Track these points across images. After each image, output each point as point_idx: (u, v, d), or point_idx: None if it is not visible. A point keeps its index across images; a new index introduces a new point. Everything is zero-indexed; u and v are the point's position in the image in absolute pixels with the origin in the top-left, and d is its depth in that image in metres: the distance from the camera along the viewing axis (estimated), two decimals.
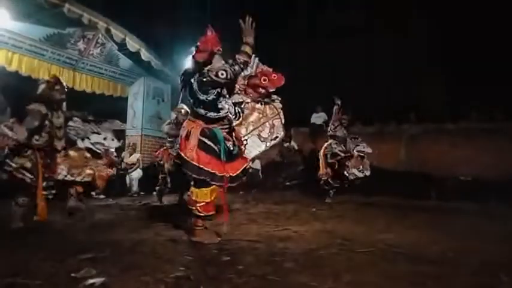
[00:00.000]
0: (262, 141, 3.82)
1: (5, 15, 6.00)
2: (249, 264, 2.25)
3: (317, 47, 11.39)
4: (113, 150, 4.82)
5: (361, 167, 5.91)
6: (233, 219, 3.95)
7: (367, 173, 5.95)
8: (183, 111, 5.47)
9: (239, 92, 3.66)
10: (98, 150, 4.49)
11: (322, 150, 6.10)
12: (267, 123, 3.86)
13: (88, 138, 4.45)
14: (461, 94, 9.36)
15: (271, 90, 3.83)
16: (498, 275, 2.04)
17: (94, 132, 4.52)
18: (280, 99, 4.02)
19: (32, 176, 3.42)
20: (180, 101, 4.11)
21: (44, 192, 3.58)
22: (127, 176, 7.86)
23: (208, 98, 2.82)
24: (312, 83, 10.71)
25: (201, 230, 2.91)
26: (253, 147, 3.73)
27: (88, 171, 4.32)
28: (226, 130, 2.99)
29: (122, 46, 8.01)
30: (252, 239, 3.02)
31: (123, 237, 3.03)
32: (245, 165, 3.06)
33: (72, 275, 1.99)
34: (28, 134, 3.48)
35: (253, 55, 3.58)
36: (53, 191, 3.89)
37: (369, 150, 5.96)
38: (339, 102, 6.03)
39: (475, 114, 8.67)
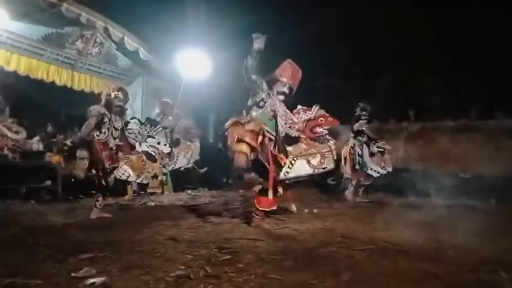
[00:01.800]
0: (310, 167, 4.10)
1: (3, 15, 5.97)
2: (249, 263, 2.26)
3: (318, 47, 11.39)
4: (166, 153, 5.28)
5: (382, 163, 6.03)
6: (233, 219, 3.96)
7: (389, 169, 6.13)
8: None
9: (297, 130, 4.11)
10: (153, 153, 4.92)
11: (347, 151, 6.08)
12: (318, 155, 4.15)
13: (145, 141, 4.85)
14: (461, 92, 9.36)
15: (325, 128, 4.20)
16: (497, 272, 2.05)
17: (149, 136, 4.95)
18: (334, 141, 4.39)
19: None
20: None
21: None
22: None
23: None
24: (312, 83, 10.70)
25: (259, 219, 3.60)
26: (300, 169, 4.02)
27: (146, 174, 4.87)
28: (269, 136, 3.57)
29: (120, 45, 7.99)
30: (252, 237, 3.03)
31: (123, 236, 3.03)
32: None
33: (73, 274, 2.00)
34: (89, 130, 3.93)
35: (314, 105, 4.33)
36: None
37: (388, 146, 6.07)
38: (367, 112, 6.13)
39: (475, 112, 8.67)
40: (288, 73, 3.75)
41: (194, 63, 7.82)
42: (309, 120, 4.27)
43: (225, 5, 10.46)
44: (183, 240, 2.90)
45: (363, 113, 6.02)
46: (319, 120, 4.28)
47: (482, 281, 1.99)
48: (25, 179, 5.47)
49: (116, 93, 4.17)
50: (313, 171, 4.07)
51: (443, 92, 9.99)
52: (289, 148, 3.90)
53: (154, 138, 5.07)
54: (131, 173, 4.76)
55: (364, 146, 6.00)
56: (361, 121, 6.00)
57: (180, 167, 6.46)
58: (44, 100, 7.91)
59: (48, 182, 5.61)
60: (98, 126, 3.99)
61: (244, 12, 10.15)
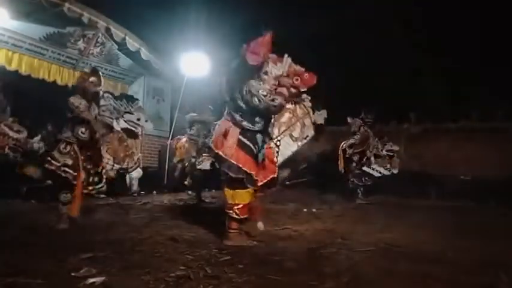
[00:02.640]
0: (294, 141, 3.92)
1: (5, 14, 5.99)
2: (249, 264, 2.26)
3: (317, 48, 11.40)
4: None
5: (388, 165, 5.97)
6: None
7: (395, 171, 6.00)
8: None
9: (270, 91, 3.61)
10: (133, 128, 4.25)
11: (340, 146, 6.00)
12: (298, 123, 3.94)
13: (122, 117, 4.22)
14: (462, 93, 9.35)
15: (302, 90, 3.82)
16: (498, 274, 2.05)
17: (127, 112, 4.32)
18: (310, 98, 4.00)
19: (74, 173, 3.37)
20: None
21: (90, 188, 3.51)
22: (127, 176, 7.85)
23: (246, 108, 2.80)
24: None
25: (236, 234, 2.82)
26: (286, 148, 3.83)
27: (131, 155, 4.11)
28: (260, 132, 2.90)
29: (122, 45, 8.00)
30: (252, 237, 3.02)
31: (124, 236, 3.03)
32: (274, 174, 2.99)
33: (73, 274, 2.00)
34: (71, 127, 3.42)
35: (286, 54, 3.57)
36: (102, 186, 3.65)
37: (395, 147, 6.02)
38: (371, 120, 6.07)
39: (476, 114, 8.66)
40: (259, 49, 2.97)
41: (195, 63, 7.83)
42: (282, 76, 3.87)
43: (225, 5, 10.47)
44: (183, 240, 2.90)
45: (368, 116, 5.98)
46: (294, 80, 3.84)
47: (483, 283, 1.98)
48: (26, 179, 5.47)
49: (92, 78, 3.62)
50: (298, 144, 3.88)
51: (444, 94, 9.98)
52: (273, 127, 3.50)
53: (132, 114, 4.45)
54: (116, 160, 4.15)
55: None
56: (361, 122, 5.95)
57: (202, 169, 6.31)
58: (45, 100, 7.92)
59: (49, 182, 5.60)
60: (81, 122, 3.48)
61: (244, 12, 10.16)
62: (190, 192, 6.34)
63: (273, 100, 2.80)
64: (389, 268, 2.20)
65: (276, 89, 3.33)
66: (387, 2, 10.84)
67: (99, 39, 7.76)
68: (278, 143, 3.64)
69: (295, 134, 3.87)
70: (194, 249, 2.59)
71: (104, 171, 3.74)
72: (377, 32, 11.03)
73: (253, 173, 2.71)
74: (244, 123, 2.79)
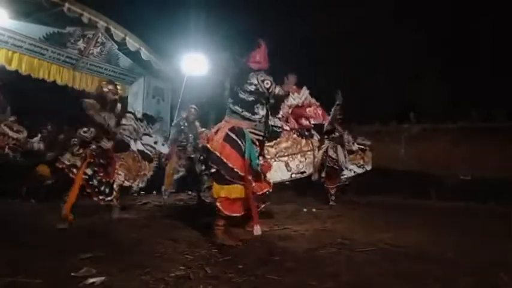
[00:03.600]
0: (288, 171, 3.85)
1: (5, 14, 5.98)
2: (249, 264, 2.26)
3: (316, 47, 11.40)
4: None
5: (361, 161, 5.74)
6: (233, 219, 3.94)
7: (368, 168, 5.71)
8: (192, 110, 5.82)
9: (281, 117, 3.75)
10: (149, 153, 4.37)
11: (320, 156, 5.43)
12: (298, 155, 3.89)
13: (141, 139, 4.33)
14: (461, 93, 9.36)
15: (312, 123, 3.87)
16: (498, 275, 2.05)
17: (146, 134, 4.42)
18: (319, 137, 4.03)
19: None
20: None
21: (101, 197, 3.60)
22: None
23: (247, 99, 2.96)
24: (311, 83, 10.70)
25: (221, 230, 2.87)
26: (278, 173, 3.75)
27: (142, 176, 4.26)
28: (256, 138, 3.04)
29: (122, 45, 8.00)
30: (252, 238, 3.02)
31: (124, 236, 3.03)
32: (267, 189, 3.09)
33: (72, 274, 2.00)
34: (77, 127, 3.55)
35: (305, 87, 3.90)
36: (109, 198, 3.70)
37: (367, 142, 5.81)
38: (340, 101, 5.59)
39: (475, 114, 8.66)
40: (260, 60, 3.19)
41: (195, 63, 7.83)
42: (297, 106, 3.89)
43: (225, 5, 10.48)
44: (183, 240, 2.90)
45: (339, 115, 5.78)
46: (307, 111, 3.94)
47: (483, 283, 1.98)
48: (26, 179, 5.46)
49: (110, 86, 3.75)
50: (291, 176, 3.84)
51: (444, 94, 9.98)
52: (269, 146, 3.56)
53: (151, 136, 4.57)
54: (127, 177, 4.22)
55: (338, 147, 5.52)
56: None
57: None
58: (45, 100, 7.92)
59: (49, 182, 5.59)
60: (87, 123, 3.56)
61: (243, 13, 10.17)
62: (190, 192, 6.34)
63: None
64: (389, 268, 2.20)
65: (287, 118, 3.83)
66: (387, 1, 10.85)
67: (99, 39, 7.76)
68: (272, 164, 3.64)
69: (292, 164, 3.83)
70: (194, 249, 2.59)
71: (115, 185, 3.80)
72: (377, 31, 11.03)
73: (236, 168, 2.78)
74: (245, 112, 2.95)
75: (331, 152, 5.44)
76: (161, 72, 8.97)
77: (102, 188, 3.61)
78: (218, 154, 2.80)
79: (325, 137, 5.60)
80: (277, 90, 3.03)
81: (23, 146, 5.98)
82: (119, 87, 3.85)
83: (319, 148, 5.15)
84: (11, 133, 5.86)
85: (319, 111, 4.05)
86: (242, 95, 2.95)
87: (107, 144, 3.66)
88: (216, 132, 2.93)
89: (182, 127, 5.78)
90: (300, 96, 3.97)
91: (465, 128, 8.25)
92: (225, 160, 2.78)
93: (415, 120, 9.21)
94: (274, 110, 3.59)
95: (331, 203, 5.51)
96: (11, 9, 6.02)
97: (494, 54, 9.28)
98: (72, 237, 3.01)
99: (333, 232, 3.32)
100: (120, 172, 3.90)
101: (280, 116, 3.72)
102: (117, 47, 8.14)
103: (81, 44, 7.61)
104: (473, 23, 9.61)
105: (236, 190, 2.81)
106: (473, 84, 9.24)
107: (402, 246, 2.75)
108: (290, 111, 3.91)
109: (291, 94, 3.71)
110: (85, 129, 3.57)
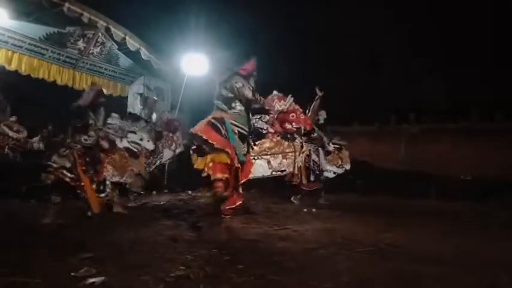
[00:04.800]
0: (269, 168, 4.20)
1: (5, 14, 5.98)
2: (249, 264, 2.25)
3: (315, 47, 11.41)
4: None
5: (339, 161, 5.72)
6: (233, 219, 3.95)
7: (347, 167, 5.73)
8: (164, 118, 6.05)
9: (267, 121, 4.30)
10: (134, 149, 4.57)
11: (303, 159, 5.38)
12: (280, 155, 4.26)
13: (126, 137, 4.52)
14: (461, 93, 9.36)
15: (295, 127, 4.34)
16: (498, 275, 2.05)
17: (131, 132, 4.62)
18: (302, 141, 4.45)
19: (72, 175, 3.62)
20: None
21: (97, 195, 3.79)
22: None
23: (227, 95, 3.77)
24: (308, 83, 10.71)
25: (220, 190, 3.57)
26: (259, 170, 4.14)
27: (130, 172, 4.45)
28: (240, 130, 3.72)
29: (122, 45, 8.00)
30: (252, 238, 3.02)
31: (124, 236, 3.03)
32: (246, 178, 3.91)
33: (72, 274, 2.00)
34: (72, 133, 3.72)
35: (290, 95, 4.47)
36: (102, 194, 3.93)
37: (343, 142, 5.80)
38: (321, 94, 5.54)
39: (475, 114, 8.67)
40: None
41: (195, 63, 7.83)
42: (282, 112, 4.39)
43: (226, 5, 10.50)
44: (183, 240, 2.90)
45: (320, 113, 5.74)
46: (290, 116, 4.36)
47: (483, 283, 1.98)
48: (26, 179, 5.46)
49: (96, 90, 3.99)
50: (271, 173, 4.25)
51: (444, 94, 9.99)
52: (253, 145, 4.09)
53: (136, 134, 4.77)
54: (114, 172, 4.41)
55: (320, 150, 5.53)
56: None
57: (166, 160, 6.38)
58: (45, 100, 7.93)
59: (49, 182, 5.59)
60: (84, 129, 3.74)
61: (243, 12, 10.17)
62: (190, 192, 6.34)
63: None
64: (389, 268, 2.20)
65: (272, 122, 4.45)
66: (387, 1, 10.86)
67: (99, 39, 7.76)
68: (253, 161, 4.05)
69: (274, 163, 4.27)
70: (194, 249, 2.59)
71: (107, 181, 3.98)
72: (377, 31, 11.04)
73: (214, 142, 3.45)
74: (223, 106, 3.75)
75: (313, 156, 5.45)
76: (161, 72, 8.96)
77: (95, 187, 3.80)
78: (199, 133, 3.49)
79: (306, 138, 5.57)
80: (246, 92, 3.73)
81: (23, 146, 5.99)
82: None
83: (301, 151, 5.19)
84: (11, 133, 5.86)
85: (302, 116, 4.48)
86: (223, 92, 3.76)
87: (87, 140, 3.78)
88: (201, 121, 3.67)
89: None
90: (285, 103, 4.51)
91: (465, 128, 8.26)
92: (205, 137, 3.46)
93: (415, 121, 9.22)
94: (261, 115, 4.30)
95: (294, 199, 5.43)
96: (11, 9, 6.01)
97: (495, 54, 9.28)
98: (72, 237, 3.01)
99: (333, 232, 3.32)
100: (108, 168, 4.08)
101: (266, 120, 4.25)
102: (117, 47, 8.14)
103: (81, 44, 7.60)
104: (474, 23, 9.61)
105: (220, 156, 3.48)
106: (473, 84, 9.24)
107: (402, 246, 2.75)
108: (276, 116, 4.34)
109: (276, 101, 4.45)
110: (85, 137, 3.75)
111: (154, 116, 6.11)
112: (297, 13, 12.79)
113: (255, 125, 3.99)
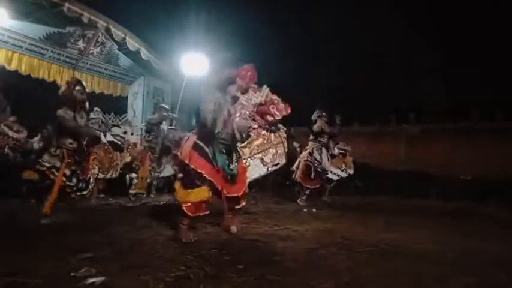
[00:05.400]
0: (264, 165, 4.14)
1: (5, 14, 5.98)
2: (249, 264, 2.25)
3: (315, 47, 11.42)
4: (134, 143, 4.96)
5: (343, 165, 5.90)
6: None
7: (351, 172, 5.95)
8: (163, 110, 6.11)
9: (248, 117, 4.01)
10: (119, 142, 4.57)
11: (305, 156, 5.73)
12: (270, 149, 4.22)
13: (110, 130, 4.53)
14: (461, 93, 9.37)
15: (277, 118, 4.15)
16: (498, 275, 2.05)
17: (114, 125, 4.62)
18: (285, 129, 4.35)
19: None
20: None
21: (78, 194, 3.77)
22: (127, 176, 7.84)
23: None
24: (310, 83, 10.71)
25: (185, 228, 2.97)
26: (255, 170, 4.07)
27: (115, 167, 4.47)
28: (224, 144, 3.07)
29: (122, 45, 8.00)
30: (252, 238, 3.02)
31: (124, 236, 3.03)
32: (243, 190, 3.21)
33: (72, 274, 2.00)
34: (59, 136, 3.62)
35: (265, 85, 4.11)
36: (84, 192, 3.90)
37: (348, 148, 5.96)
38: (339, 122, 5.94)
39: (475, 114, 8.67)
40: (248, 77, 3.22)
41: (195, 63, 7.83)
42: (260, 104, 4.16)
43: (226, 5, 10.50)
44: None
45: (324, 114, 5.79)
46: (270, 108, 4.20)
47: (483, 283, 1.98)
48: (26, 179, 5.45)
49: (78, 87, 3.76)
50: (267, 169, 4.13)
51: (444, 94, 9.99)
52: (243, 147, 3.83)
53: (119, 127, 4.75)
54: (101, 170, 4.39)
55: (323, 149, 5.70)
56: (321, 120, 5.73)
57: (164, 176, 6.39)
58: (45, 100, 7.92)
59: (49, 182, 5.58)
60: (68, 133, 3.62)
61: (243, 12, 10.17)
62: None
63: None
64: (389, 268, 2.20)
65: (253, 116, 4.02)
66: (389, 1, 10.86)
67: (99, 39, 7.75)
68: (248, 164, 3.91)
69: (266, 159, 4.17)
70: (194, 249, 2.59)
71: (91, 180, 3.99)
72: (377, 31, 11.04)
73: (203, 171, 2.88)
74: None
75: (315, 154, 5.61)
76: (161, 72, 8.96)
77: (80, 185, 3.76)
78: (187, 161, 2.92)
79: (313, 138, 5.77)
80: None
81: (23, 146, 5.98)
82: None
83: (302, 148, 5.28)
84: (11, 133, 5.85)
85: (281, 105, 4.26)
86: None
87: (72, 144, 3.70)
88: (186, 141, 3.07)
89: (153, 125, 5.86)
90: (261, 94, 4.24)
91: (465, 128, 8.26)
92: (192, 166, 2.89)
93: (415, 121, 9.22)
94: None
95: (299, 201, 5.53)
96: (11, 9, 6.01)
97: (495, 54, 9.28)
98: (72, 237, 3.01)
99: (333, 232, 3.32)
100: (94, 166, 4.12)
101: (247, 115, 3.95)
102: (117, 47, 8.14)
103: (81, 44, 7.60)
104: (474, 23, 9.61)
105: (203, 193, 2.92)
106: (473, 84, 9.25)
107: (402, 246, 2.75)
108: (255, 109, 4.17)
109: (252, 93, 4.02)
110: (70, 140, 3.67)
111: (164, 125, 6.08)
112: (297, 13, 12.79)
113: (238, 126, 3.50)
